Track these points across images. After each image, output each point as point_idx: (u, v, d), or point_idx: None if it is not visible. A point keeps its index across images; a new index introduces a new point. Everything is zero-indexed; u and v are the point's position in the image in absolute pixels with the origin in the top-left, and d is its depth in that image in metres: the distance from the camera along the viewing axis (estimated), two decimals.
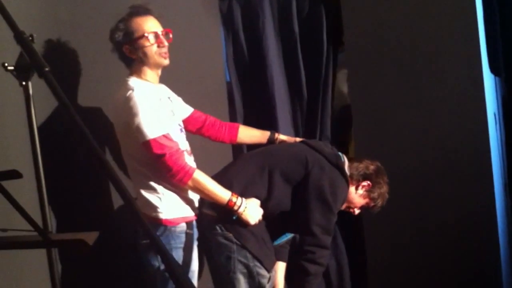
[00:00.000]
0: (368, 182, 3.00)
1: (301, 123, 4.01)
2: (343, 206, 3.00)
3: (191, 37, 3.51)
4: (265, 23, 3.98)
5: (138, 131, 2.55)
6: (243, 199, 2.69)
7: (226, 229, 2.77)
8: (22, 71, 1.21)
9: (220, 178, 2.81)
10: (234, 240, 2.77)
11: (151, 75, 2.71)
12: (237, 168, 2.93)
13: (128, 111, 2.56)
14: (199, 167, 2.71)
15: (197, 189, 2.63)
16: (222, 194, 2.66)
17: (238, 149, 3.73)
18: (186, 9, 3.59)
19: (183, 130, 2.86)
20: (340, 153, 3.00)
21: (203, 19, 3.73)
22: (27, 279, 2.41)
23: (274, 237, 3.01)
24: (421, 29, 3.64)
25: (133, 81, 2.66)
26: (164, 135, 2.56)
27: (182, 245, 2.66)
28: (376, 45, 3.76)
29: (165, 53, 2.69)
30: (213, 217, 2.77)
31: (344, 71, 4.12)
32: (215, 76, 3.81)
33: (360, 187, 3.01)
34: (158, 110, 2.61)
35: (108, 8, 3.07)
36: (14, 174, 1.19)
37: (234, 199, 2.66)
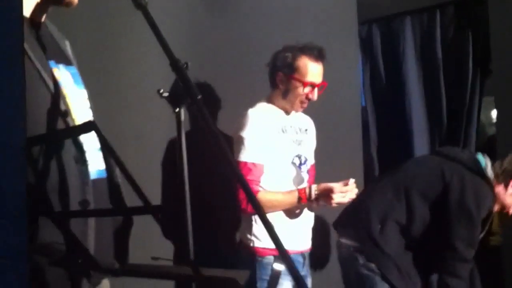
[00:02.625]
0: None
1: None
2: (496, 208, 2.76)
3: (328, 60, 3.48)
4: (406, 48, 3.89)
5: (236, 147, 2.57)
6: (311, 186, 2.59)
7: (368, 259, 2.67)
8: (176, 98, 1.23)
9: (356, 208, 2.72)
10: (377, 270, 2.66)
11: (282, 104, 2.68)
12: (372, 196, 2.83)
13: (238, 125, 2.59)
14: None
15: (267, 208, 2.53)
16: (291, 198, 2.58)
17: (369, 167, 3.64)
18: (324, 33, 3.56)
19: (306, 163, 2.73)
20: (479, 155, 2.78)
21: (341, 43, 3.69)
22: None
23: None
24: None
25: (260, 103, 2.69)
26: (254, 163, 2.54)
27: (267, 278, 2.59)
28: None
29: (306, 105, 2.67)
30: (354, 247, 2.68)
31: (490, 98, 3.87)
32: (350, 101, 3.74)
33: (510, 185, 2.74)
34: (266, 136, 2.58)
35: (250, 37, 3.15)
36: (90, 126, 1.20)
37: (302, 193, 2.57)
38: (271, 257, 2.57)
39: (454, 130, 3.79)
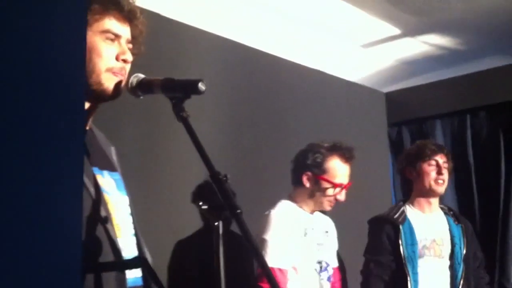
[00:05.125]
0: None
1: None
2: None
3: (359, 162, 3.50)
4: None
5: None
6: None
7: None
8: (215, 211, 1.24)
9: None
10: None
11: (307, 204, 2.60)
12: None
13: (260, 227, 2.45)
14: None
15: None
16: None
17: None
18: (354, 135, 3.62)
19: (328, 269, 2.60)
20: None
21: (372, 144, 3.74)
22: None
23: None
24: None
25: (283, 202, 2.58)
26: (280, 269, 2.38)
27: None
28: None
29: (333, 205, 2.60)
30: None
31: None
32: (382, 200, 3.73)
33: None
34: (289, 239, 2.45)
35: (283, 134, 3.22)
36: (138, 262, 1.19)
37: None
38: None
39: (490, 237, 3.69)
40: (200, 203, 1.25)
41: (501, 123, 3.77)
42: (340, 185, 2.55)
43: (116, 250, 1.39)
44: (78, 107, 0.92)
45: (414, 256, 2.78)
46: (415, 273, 2.76)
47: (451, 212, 3.05)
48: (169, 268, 2.54)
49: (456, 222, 2.98)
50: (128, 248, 1.44)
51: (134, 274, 1.45)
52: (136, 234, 1.53)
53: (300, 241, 2.50)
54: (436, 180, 2.88)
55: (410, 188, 3.01)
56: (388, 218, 2.87)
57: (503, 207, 3.68)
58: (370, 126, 3.73)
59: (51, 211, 0.82)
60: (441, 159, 2.91)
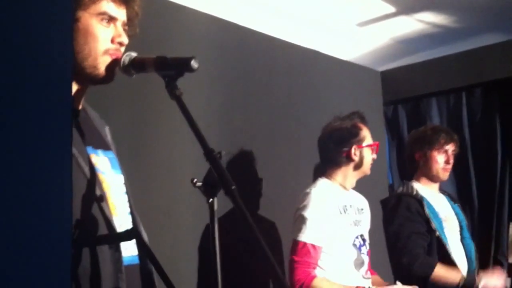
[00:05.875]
0: None
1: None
2: None
3: None
4: None
5: (297, 226, 2.54)
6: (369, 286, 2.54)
7: None
8: (210, 188, 1.24)
9: None
10: None
11: (345, 179, 2.68)
12: None
13: (300, 204, 2.57)
14: None
15: None
16: None
17: None
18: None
19: (366, 244, 2.69)
20: None
21: (368, 124, 3.73)
22: None
23: None
24: None
25: (321, 181, 2.68)
26: (313, 245, 2.49)
27: None
28: None
29: (368, 170, 2.70)
30: None
31: None
32: (378, 180, 3.74)
33: None
34: (328, 217, 2.55)
35: (277, 113, 3.22)
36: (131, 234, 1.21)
37: None
38: None
39: (486, 212, 3.72)
40: (195, 181, 1.25)
41: (496, 100, 3.77)
42: (376, 145, 2.72)
43: (111, 228, 1.39)
44: (66, 88, 0.91)
45: (442, 227, 2.85)
46: (447, 243, 2.83)
47: (446, 193, 3.16)
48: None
49: (453, 202, 3.07)
50: (124, 227, 1.44)
51: (130, 253, 1.46)
52: (131, 213, 1.54)
53: (339, 219, 2.60)
54: (443, 168, 2.95)
55: (414, 167, 3.05)
56: (408, 193, 2.95)
57: (500, 184, 3.69)
58: (366, 105, 3.71)
59: (40, 192, 0.83)
60: (451, 147, 2.98)
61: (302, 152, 3.26)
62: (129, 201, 1.55)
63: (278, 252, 2.98)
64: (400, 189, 3.02)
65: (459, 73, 3.92)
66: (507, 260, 3.64)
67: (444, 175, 3.01)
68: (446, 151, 2.98)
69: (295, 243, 2.53)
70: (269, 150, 3.12)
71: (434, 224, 2.82)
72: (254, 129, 3.07)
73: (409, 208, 2.88)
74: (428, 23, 3.47)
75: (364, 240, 2.69)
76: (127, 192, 1.55)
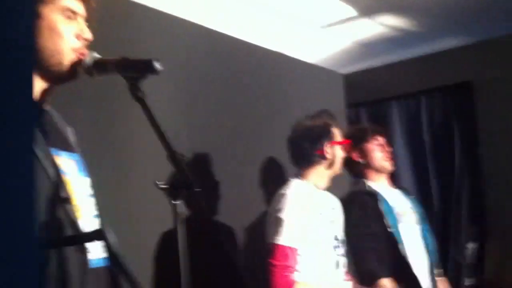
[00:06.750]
0: None
1: None
2: None
3: None
4: (393, 132, 3.97)
5: (273, 229, 2.49)
6: None
7: None
8: (173, 190, 1.25)
9: None
10: None
11: (319, 178, 2.67)
12: None
13: (276, 206, 2.53)
14: None
15: None
16: None
17: None
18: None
19: (342, 245, 2.66)
20: None
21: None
22: None
23: None
24: None
25: (295, 182, 2.64)
26: (291, 248, 2.44)
27: None
28: None
29: (341, 164, 2.71)
30: None
31: None
32: (340, 182, 3.78)
33: None
34: (305, 218, 2.50)
35: (241, 115, 3.24)
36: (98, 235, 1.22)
37: None
38: None
39: (445, 214, 3.81)
40: (159, 183, 1.26)
41: (454, 104, 3.87)
42: (347, 142, 2.74)
43: (76, 231, 1.38)
44: (28, 86, 0.91)
45: (395, 223, 2.85)
46: (401, 240, 2.82)
47: (401, 187, 3.20)
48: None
49: (409, 195, 3.12)
50: (89, 229, 1.43)
51: (97, 255, 1.45)
52: (99, 216, 1.53)
53: (316, 219, 2.56)
54: (383, 157, 3.02)
55: (358, 168, 3.08)
56: (362, 191, 2.96)
57: (457, 186, 3.79)
58: (329, 107, 3.76)
59: (2, 194, 0.82)
60: (381, 137, 3.07)
61: (266, 153, 3.28)
62: (95, 204, 1.54)
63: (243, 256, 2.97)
64: (354, 187, 3.04)
65: (419, 76, 4.02)
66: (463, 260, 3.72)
67: (387, 164, 3.03)
68: (378, 141, 3.04)
69: (273, 246, 2.45)
70: (232, 151, 3.13)
71: (388, 221, 2.82)
72: (218, 131, 3.08)
73: (363, 207, 2.87)
74: (389, 26, 3.54)
75: (339, 240, 2.66)
76: (93, 195, 1.54)
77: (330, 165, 2.67)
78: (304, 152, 2.67)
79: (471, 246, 3.74)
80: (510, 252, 3.57)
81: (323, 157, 2.65)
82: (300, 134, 2.70)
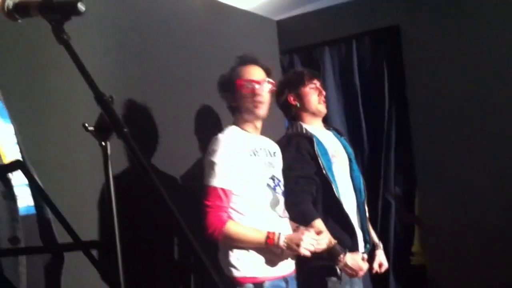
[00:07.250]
0: None
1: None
2: None
3: None
4: (326, 77, 4.03)
5: (206, 172, 2.59)
6: (281, 235, 2.56)
7: None
8: (102, 132, 1.24)
9: None
10: None
11: (249, 125, 2.75)
12: None
13: (208, 150, 2.63)
14: None
15: (233, 240, 2.56)
16: (259, 236, 2.56)
17: None
18: None
19: (280, 184, 2.77)
20: None
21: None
22: None
23: None
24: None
25: (230, 127, 2.75)
26: (223, 189, 2.56)
27: None
28: (440, 100, 3.71)
29: (260, 102, 2.71)
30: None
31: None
32: (275, 125, 3.84)
33: None
34: (238, 160, 2.60)
35: (174, 62, 3.20)
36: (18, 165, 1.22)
37: (271, 236, 2.55)
38: (251, 285, 2.58)
39: (375, 156, 3.94)
40: (86, 125, 1.25)
41: (384, 48, 3.95)
42: (251, 81, 2.71)
43: (5, 179, 1.37)
44: None
45: (330, 165, 2.94)
46: (334, 181, 2.92)
47: (332, 128, 3.31)
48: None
49: (340, 135, 3.22)
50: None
51: (26, 203, 1.44)
52: (24, 163, 1.51)
53: (249, 161, 2.65)
54: (319, 101, 3.07)
55: (293, 111, 3.15)
56: (299, 133, 3.01)
57: (387, 129, 3.91)
58: (263, 55, 3.74)
59: None
60: (317, 82, 3.14)
61: (200, 101, 3.27)
62: (21, 151, 1.52)
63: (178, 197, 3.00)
64: (290, 130, 3.10)
65: (349, 21, 4.06)
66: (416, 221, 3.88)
67: (322, 107, 3.13)
68: (314, 85, 3.11)
69: (206, 188, 2.57)
70: (166, 98, 3.11)
71: (322, 163, 2.92)
72: (152, 77, 3.04)
73: (298, 149, 2.94)
74: None
75: (278, 180, 2.77)
76: (18, 143, 1.51)
77: (241, 111, 2.74)
78: (228, 105, 2.80)
79: (397, 190, 3.91)
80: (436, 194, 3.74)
81: (232, 108, 2.77)
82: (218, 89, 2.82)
